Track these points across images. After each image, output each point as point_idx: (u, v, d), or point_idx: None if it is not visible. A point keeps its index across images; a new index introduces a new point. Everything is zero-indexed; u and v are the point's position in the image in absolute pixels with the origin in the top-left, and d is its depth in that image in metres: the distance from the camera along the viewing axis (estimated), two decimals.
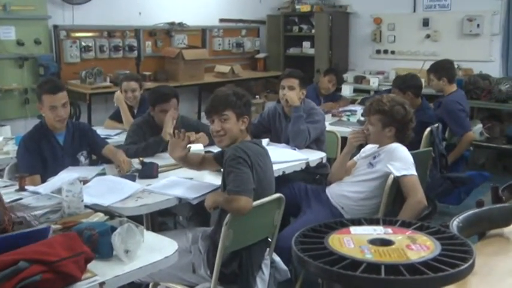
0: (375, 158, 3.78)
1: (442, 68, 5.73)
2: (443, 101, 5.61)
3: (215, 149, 3.72)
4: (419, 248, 1.67)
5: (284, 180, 4.00)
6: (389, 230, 1.80)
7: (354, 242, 1.71)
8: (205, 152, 3.91)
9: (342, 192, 3.83)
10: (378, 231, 1.80)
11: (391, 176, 3.59)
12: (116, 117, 5.48)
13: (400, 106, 3.74)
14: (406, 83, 5.36)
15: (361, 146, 4.07)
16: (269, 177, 3.24)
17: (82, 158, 4.05)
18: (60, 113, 3.85)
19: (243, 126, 3.21)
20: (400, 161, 3.63)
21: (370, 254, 1.64)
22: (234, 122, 3.17)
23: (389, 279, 1.55)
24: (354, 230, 1.81)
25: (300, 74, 4.73)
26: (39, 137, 3.90)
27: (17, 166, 3.92)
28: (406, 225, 1.84)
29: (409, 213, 3.49)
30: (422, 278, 1.55)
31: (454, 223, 2.25)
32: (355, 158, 4.07)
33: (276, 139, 4.71)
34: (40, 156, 3.85)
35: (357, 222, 1.89)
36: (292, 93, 4.55)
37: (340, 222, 1.87)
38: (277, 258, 3.35)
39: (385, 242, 1.72)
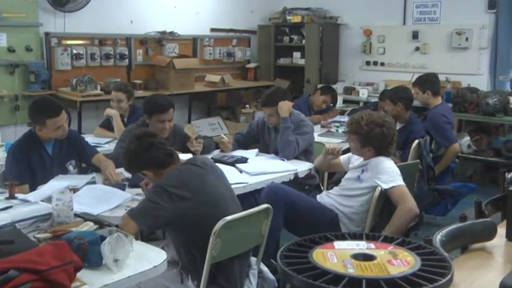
0: (363, 172, 3.81)
1: (427, 81, 5.79)
2: (428, 113, 5.67)
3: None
4: (400, 263, 1.72)
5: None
6: (372, 245, 1.84)
7: (338, 256, 1.75)
8: None
9: (334, 204, 3.86)
10: (361, 246, 1.84)
11: (378, 189, 3.62)
12: (106, 125, 5.49)
13: (379, 129, 3.73)
14: (398, 94, 5.42)
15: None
16: (219, 188, 3.21)
17: (71, 167, 4.04)
18: (65, 129, 3.87)
19: (158, 175, 3.21)
20: (387, 173, 3.66)
21: (352, 269, 1.68)
22: (152, 176, 3.21)
23: None
24: (338, 244, 1.85)
25: (276, 98, 4.63)
26: (28, 146, 3.87)
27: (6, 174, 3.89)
28: (388, 240, 1.89)
29: (401, 220, 3.50)
30: None
31: (438, 237, 2.28)
32: (344, 157, 4.16)
33: (265, 150, 4.75)
34: (28, 166, 3.83)
35: (341, 237, 1.93)
36: (274, 117, 4.61)
37: (324, 237, 1.90)
38: (264, 268, 3.37)
39: (367, 257, 1.76)
